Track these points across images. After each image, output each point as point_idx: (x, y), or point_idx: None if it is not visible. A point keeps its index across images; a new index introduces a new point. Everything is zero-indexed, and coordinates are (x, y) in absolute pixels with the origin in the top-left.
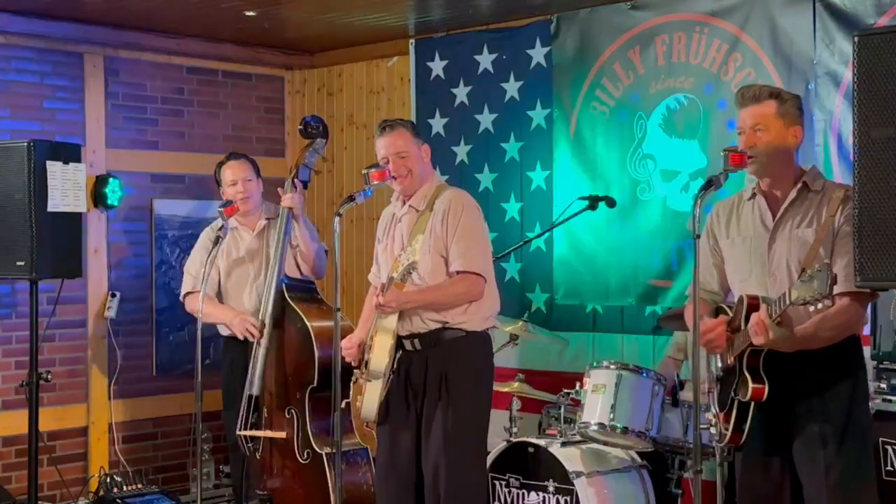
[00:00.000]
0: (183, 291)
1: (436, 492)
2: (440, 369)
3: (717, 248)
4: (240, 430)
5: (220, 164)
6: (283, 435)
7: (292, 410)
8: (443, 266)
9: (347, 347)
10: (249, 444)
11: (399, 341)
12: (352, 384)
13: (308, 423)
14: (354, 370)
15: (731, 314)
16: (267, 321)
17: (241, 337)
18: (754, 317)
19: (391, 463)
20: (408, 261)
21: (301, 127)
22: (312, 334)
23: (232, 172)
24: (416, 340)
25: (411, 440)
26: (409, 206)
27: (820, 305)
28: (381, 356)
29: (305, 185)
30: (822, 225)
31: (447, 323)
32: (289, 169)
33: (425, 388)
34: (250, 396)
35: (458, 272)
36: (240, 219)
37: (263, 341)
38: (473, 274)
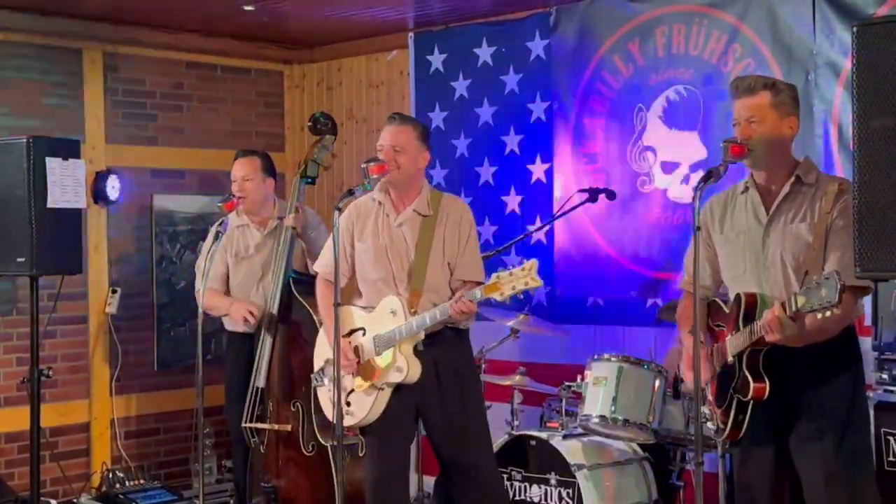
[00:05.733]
0: (196, 289)
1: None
2: (451, 366)
3: (709, 241)
4: (245, 422)
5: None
6: (288, 428)
7: (298, 403)
8: (448, 272)
9: (348, 363)
10: (254, 438)
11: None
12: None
13: (314, 416)
14: (346, 377)
15: (726, 309)
16: (274, 312)
17: (238, 321)
18: (769, 313)
19: (389, 452)
20: (523, 285)
21: (310, 123)
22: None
23: (234, 170)
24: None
25: (409, 432)
26: (414, 210)
27: (828, 314)
28: (416, 365)
29: (313, 180)
30: (818, 222)
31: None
32: (298, 164)
33: (439, 381)
34: (257, 389)
35: (469, 281)
36: (250, 216)
37: (269, 334)
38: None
